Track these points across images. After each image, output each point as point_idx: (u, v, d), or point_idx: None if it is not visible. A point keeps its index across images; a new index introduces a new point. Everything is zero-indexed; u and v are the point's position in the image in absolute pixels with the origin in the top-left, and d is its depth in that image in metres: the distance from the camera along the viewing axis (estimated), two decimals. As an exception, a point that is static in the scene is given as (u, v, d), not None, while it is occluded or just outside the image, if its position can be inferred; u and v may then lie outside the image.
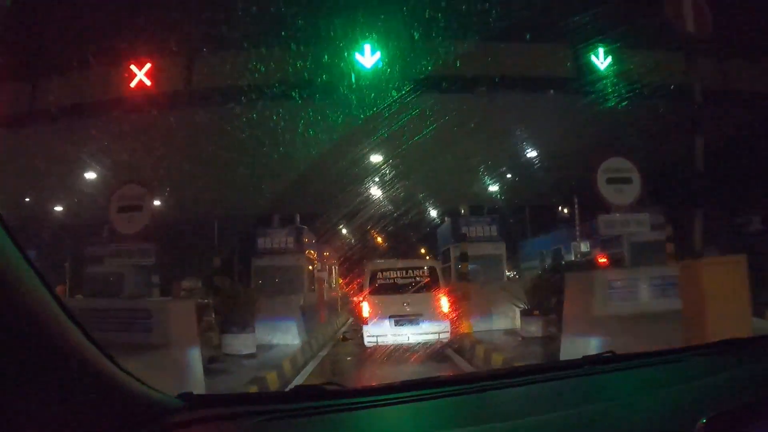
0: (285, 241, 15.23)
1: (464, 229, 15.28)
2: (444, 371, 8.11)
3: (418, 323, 9.41)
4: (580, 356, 2.03)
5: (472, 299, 11.54)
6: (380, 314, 9.44)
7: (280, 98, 8.52)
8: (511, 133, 11.13)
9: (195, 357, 6.14)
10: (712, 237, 6.35)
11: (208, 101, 8.97)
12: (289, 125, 9.31)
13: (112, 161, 10.35)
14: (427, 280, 9.95)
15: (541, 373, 1.93)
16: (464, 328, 11.00)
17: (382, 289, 9.84)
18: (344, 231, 23.54)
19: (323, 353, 11.13)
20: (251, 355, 9.30)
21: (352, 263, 21.05)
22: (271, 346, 10.28)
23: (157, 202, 11.12)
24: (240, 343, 9.41)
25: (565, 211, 24.01)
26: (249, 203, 14.82)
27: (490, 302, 11.93)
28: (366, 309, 9.62)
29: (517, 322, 10.92)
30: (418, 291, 9.78)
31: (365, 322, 9.54)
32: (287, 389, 4.00)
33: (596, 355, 1.94)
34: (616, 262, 11.01)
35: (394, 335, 9.36)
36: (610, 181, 7.07)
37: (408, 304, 9.58)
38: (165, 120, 9.29)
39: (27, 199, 13.72)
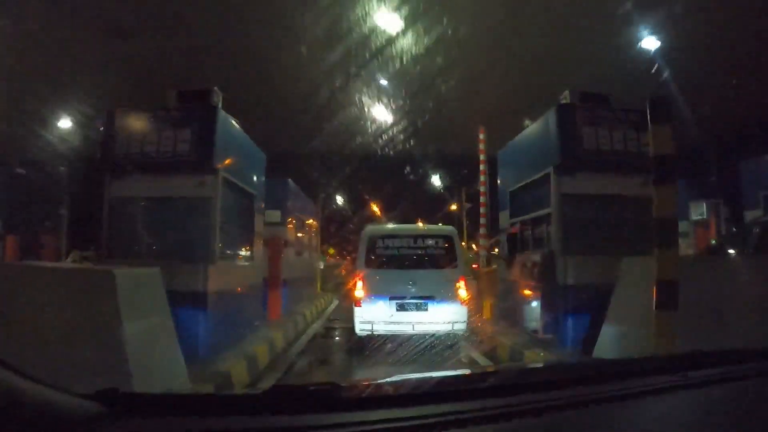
0: (173, 139, 6.56)
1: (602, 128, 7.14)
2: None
3: (426, 309, 7.78)
4: None
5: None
6: (378, 293, 7.85)
7: None
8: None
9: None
10: None
11: None
12: None
13: None
14: (441, 252, 8.24)
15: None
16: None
17: (383, 262, 8.15)
18: (338, 169, 17.31)
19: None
20: None
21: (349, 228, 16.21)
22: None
23: None
24: None
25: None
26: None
27: None
28: (360, 286, 8.01)
29: None
30: (429, 266, 8.15)
31: (358, 303, 7.93)
32: (257, 389, 2.91)
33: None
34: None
35: (395, 323, 7.70)
36: None
37: (414, 282, 7.88)
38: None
39: None
